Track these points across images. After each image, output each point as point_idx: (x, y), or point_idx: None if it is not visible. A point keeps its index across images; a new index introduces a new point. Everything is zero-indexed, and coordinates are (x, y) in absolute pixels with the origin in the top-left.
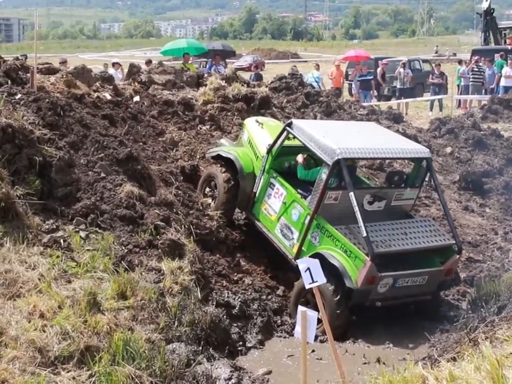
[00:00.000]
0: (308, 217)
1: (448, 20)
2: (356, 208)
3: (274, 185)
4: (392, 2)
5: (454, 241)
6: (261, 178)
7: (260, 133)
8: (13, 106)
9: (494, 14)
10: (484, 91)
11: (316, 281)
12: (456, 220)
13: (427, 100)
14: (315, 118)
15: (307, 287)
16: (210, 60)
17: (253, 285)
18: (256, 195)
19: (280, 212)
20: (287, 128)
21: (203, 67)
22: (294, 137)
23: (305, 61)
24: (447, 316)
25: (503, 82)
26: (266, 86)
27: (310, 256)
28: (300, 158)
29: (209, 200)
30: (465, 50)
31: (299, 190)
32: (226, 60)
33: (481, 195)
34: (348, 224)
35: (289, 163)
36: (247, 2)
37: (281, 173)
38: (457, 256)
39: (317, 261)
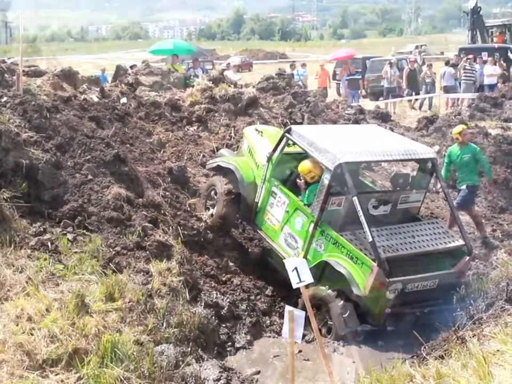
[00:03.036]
0: (312, 225)
1: (436, 19)
2: (360, 213)
3: (276, 194)
4: (380, 1)
5: (464, 243)
6: (262, 188)
7: (259, 141)
8: None
9: (480, 13)
10: (474, 89)
11: (303, 281)
12: (444, 218)
13: (416, 99)
14: (302, 118)
15: (294, 286)
16: (188, 63)
17: (241, 286)
18: (258, 205)
19: (283, 220)
20: (286, 134)
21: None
22: (294, 143)
23: (293, 61)
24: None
25: (486, 81)
26: (254, 87)
27: (316, 265)
28: (300, 183)
29: (211, 209)
30: (453, 48)
31: (301, 198)
32: (214, 61)
33: None
34: (353, 229)
35: (290, 170)
36: (234, 2)
37: (282, 181)
38: (468, 257)
39: (303, 261)
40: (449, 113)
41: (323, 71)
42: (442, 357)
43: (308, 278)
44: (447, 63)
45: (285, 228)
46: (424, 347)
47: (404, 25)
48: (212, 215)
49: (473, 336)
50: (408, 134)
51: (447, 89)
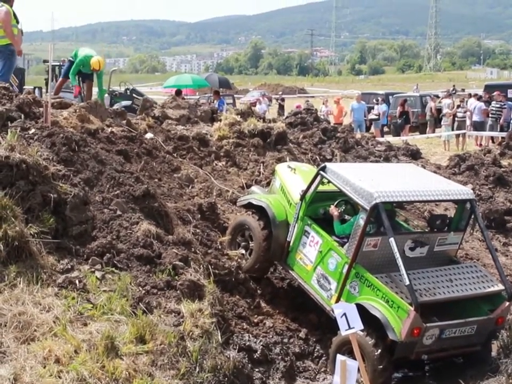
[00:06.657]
0: (346, 266)
1: (455, 56)
2: (397, 255)
3: (309, 233)
4: (398, 37)
5: (504, 287)
6: (294, 227)
7: (292, 179)
8: (26, 141)
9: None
10: (498, 127)
11: (353, 328)
12: (479, 259)
13: (440, 136)
14: (332, 154)
15: (343, 333)
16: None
17: (274, 328)
18: (290, 244)
19: (316, 261)
20: (321, 172)
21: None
22: (329, 181)
23: (312, 96)
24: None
25: (508, 119)
26: (282, 121)
27: None
28: (334, 211)
29: (243, 251)
30: (474, 85)
31: (335, 238)
32: (235, 95)
33: (504, 234)
34: (389, 272)
35: (324, 209)
36: (252, 37)
37: (316, 220)
38: (508, 303)
39: (353, 306)
40: (479, 151)
41: (338, 107)
42: None
43: (358, 324)
44: (478, 98)
45: (318, 268)
46: None
47: (423, 61)
48: (242, 254)
49: None
50: (439, 172)
51: (476, 125)
